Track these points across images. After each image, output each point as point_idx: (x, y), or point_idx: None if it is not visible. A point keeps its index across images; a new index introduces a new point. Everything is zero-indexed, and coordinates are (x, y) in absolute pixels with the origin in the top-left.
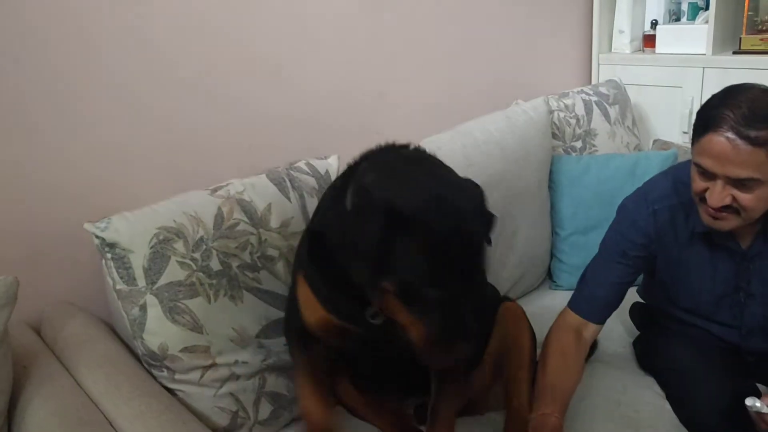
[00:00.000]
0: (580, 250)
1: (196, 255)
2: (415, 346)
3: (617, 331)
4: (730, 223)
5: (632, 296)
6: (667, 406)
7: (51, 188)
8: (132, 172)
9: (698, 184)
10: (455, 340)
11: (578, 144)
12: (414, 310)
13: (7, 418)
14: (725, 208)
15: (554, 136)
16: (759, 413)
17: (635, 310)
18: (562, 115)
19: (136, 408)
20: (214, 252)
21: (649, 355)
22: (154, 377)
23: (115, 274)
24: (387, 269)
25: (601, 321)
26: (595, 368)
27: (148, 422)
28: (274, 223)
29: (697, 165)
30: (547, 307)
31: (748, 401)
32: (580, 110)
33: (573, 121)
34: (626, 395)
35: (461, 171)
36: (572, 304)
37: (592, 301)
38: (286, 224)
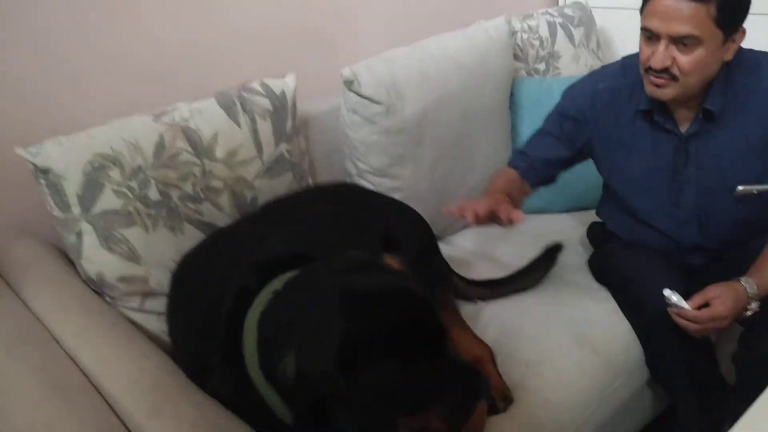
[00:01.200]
0: None
1: (133, 184)
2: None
3: (575, 249)
4: (669, 91)
5: (591, 218)
6: (623, 322)
7: None
8: (76, 92)
9: (644, 51)
10: (475, 391)
11: (541, 66)
12: (425, 409)
13: None
14: (665, 72)
15: (517, 57)
16: (676, 306)
17: (592, 230)
18: (525, 36)
19: (82, 325)
20: (153, 182)
21: (603, 268)
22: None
23: (51, 201)
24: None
25: (533, 184)
26: (552, 284)
27: (93, 339)
28: (219, 153)
29: (644, 29)
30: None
31: (666, 292)
32: (544, 32)
33: (536, 43)
34: (581, 311)
35: (417, 85)
36: (512, 162)
37: (530, 163)
38: (233, 153)
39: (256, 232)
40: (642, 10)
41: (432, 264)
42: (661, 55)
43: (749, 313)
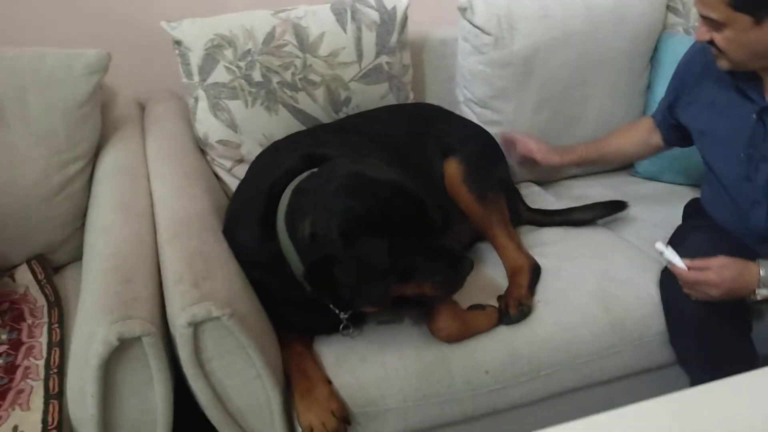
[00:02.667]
0: None
1: (242, 64)
2: (432, 296)
3: (660, 217)
4: (723, 63)
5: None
6: (654, 297)
7: None
8: None
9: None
10: (459, 271)
11: None
12: (415, 279)
13: (92, 161)
14: (713, 46)
15: (675, 11)
16: (669, 262)
17: (689, 205)
18: None
19: (169, 170)
20: (258, 65)
21: (671, 242)
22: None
23: (181, 69)
24: (394, 272)
25: (666, 140)
26: (608, 235)
27: (170, 181)
28: (323, 51)
29: None
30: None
31: (658, 245)
32: None
33: None
34: (618, 270)
35: (532, 20)
36: (655, 112)
37: (665, 118)
38: (335, 54)
39: (326, 135)
40: None
41: (490, 174)
42: (698, 30)
43: (758, 297)
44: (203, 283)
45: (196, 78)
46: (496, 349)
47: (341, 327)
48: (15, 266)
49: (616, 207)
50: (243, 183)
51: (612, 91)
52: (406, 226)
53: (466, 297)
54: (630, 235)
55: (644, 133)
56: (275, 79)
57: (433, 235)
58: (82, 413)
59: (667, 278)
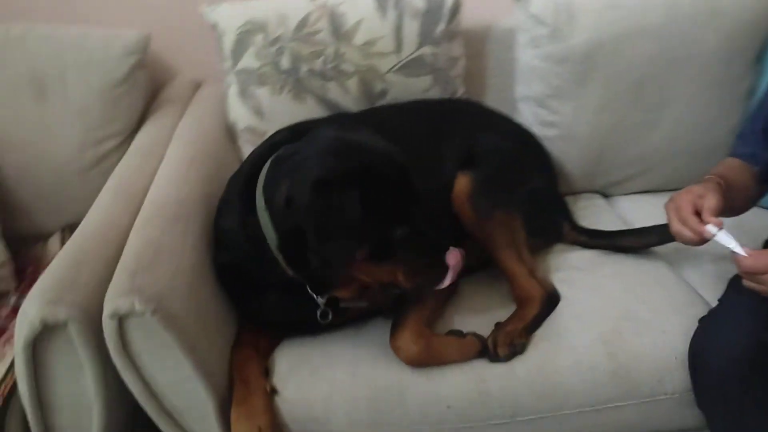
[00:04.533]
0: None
1: (272, 50)
2: (405, 287)
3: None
4: None
5: None
6: (677, 350)
7: None
8: None
9: None
10: (441, 260)
11: None
12: (390, 261)
13: (130, 138)
14: None
15: None
16: (724, 245)
17: None
18: None
19: (180, 155)
20: (287, 52)
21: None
22: None
23: (218, 52)
24: (365, 235)
25: (764, 169)
26: (660, 273)
27: (178, 164)
28: (358, 40)
29: None
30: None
31: (709, 227)
32: None
33: None
34: (645, 310)
35: (597, 11)
36: (733, 151)
37: (754, 145)
38: (372, 43)
39: (344, 121)
40: None
41: (509, 189)
42: None
43: None
44: (139, 275)
45: (228, 63)
46: (463, 382)
47: (319, 313)
48: (50, 234)
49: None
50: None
51: (696, 96)
52: (386, 190)
53: (456, 318)
54: (690, 271)
55: (741, 170)
56: (304, 67)
57: (417, 214)
58: (21, 387)
59: (706, 326)
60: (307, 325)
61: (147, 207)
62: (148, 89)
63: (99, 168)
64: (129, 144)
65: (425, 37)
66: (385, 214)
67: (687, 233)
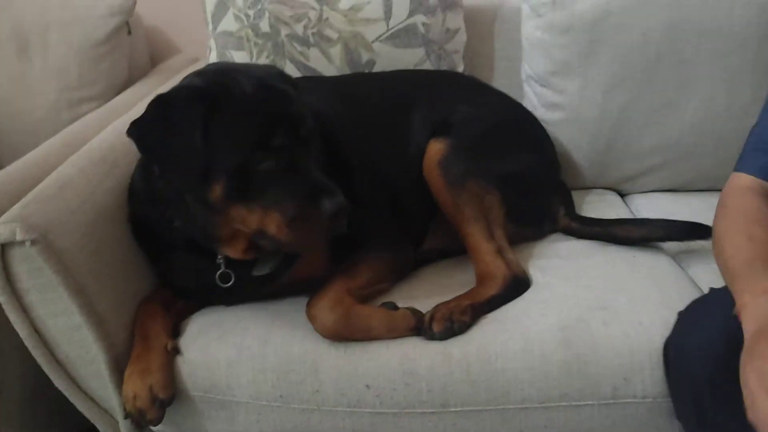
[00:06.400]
0: None
1: (250, 12)
2: (278, 238)
3: None
4: None
5: None
6: (652, 355)
7: None
8: None
9: None
10: (321, 205)
11: None
12: (259, 199)
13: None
14: None
15: None
16: None
17: None
18: None
19: (138, 110)
20: (267, 14)
21: None
22: None
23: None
24: (213, 164)
25: None
26: (658, 268)
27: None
28: (343, 4)
29: None
30: None
31: None
32: None
33: None
34: (624, 303)
35: None
36: (742, 165)
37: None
38: (358, 8)
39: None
40: None
41: (488, 160)
42: None
43: None
44: (31, 205)
45: (210, 26)
46: (386, 359)
47: (218, 275)
48: None
49: (685, 231)
50: None
51: (726, 77)
52: (247, 114)
53: (420, 300)
54: (700, 271)
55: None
56: (284, 31)
57: (294, 149)
58: None
59: (686, 318)
60: (219, 294)
61: (81, 150)
62: (137, 59)
63: None
64: None
65: (417, 4)
66: (242, 140)
67: None
